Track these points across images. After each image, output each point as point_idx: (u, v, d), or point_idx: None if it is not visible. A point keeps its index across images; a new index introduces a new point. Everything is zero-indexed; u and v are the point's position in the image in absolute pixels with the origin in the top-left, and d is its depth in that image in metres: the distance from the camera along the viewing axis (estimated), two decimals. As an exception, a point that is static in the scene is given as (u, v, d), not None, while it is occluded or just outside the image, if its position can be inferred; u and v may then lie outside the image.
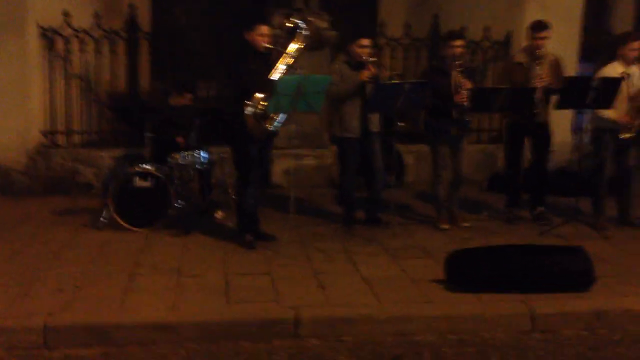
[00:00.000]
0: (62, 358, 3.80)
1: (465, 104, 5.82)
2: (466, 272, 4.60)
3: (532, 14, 7.25)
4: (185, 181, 6.18)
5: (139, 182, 5.96)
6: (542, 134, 6.26)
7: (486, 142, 8.52)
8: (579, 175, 7.60)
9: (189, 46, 8.66)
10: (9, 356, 3.78)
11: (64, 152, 7.68)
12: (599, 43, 8.69)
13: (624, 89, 5.83)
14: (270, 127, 5.27)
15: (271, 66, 5.18)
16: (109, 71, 8.03)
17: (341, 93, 5.73)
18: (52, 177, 7.57)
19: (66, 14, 7.56)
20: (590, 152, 6.36)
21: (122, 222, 5.89)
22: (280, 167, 7.71)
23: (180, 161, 6.13)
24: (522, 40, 7.18)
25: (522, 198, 6.47)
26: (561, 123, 7.41)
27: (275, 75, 5.13)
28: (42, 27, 7.56)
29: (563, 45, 7.10)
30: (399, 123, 6.16)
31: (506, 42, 8.39)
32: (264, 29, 5.33)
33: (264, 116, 5.20)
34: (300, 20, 5.36)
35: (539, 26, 6.05)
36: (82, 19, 7.75)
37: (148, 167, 6.02)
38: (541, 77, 5.97)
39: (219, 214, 6.37)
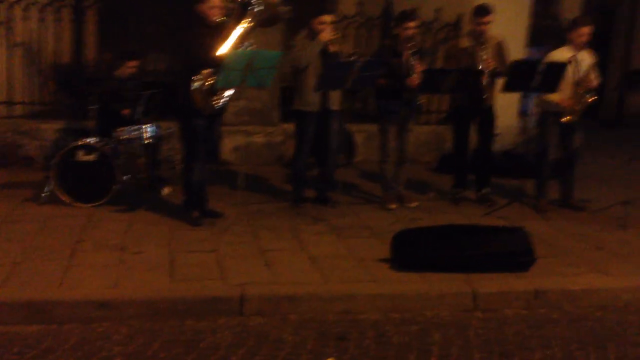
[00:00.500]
0: (-1, 335, 3.71)
1: (416, 86, 5.85)
2: (411, 251, 4.66)
3: (482, -3, 7.32)
4: (131, 156, 6.05)
5: (82, 156, 5.78)
6: (486, 117, 6.34)
7: (436, 123, 8.60)
8: (524, 157, 7.78)
9: (140, 17, 8.44)
10: (-58, 333, 3.67)
11: (6, 123, 7.44)
12: (547, 27, 8.83)
13: (570, 74, 5.94)
14: (219, 103, 5.19)
15: (222, 40, 5.09)
16: (54, 40, 7.78)
17: (302, 59, 5.66)
18: (-7, 149, 7.34)
19: (9, -21, 7.30)
20: (535, 135, 6.48)
21: (65, 198, 5.75)
22: (230, 144, 7.65)
23: (126, 135, 6.01)
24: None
25: (468, 179, 6.56)
26: (508, 107, 7.52)
27: (225, 49, 5.05)
28: (-17, -7, 7.28)
29: (512, 30, 7.17)
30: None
31: (457, 24, 8.45)
32: (216, 1, 5.18)
33: (212, 91, 5.12)
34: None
35: (482, 11, 6.07)
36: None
37: (92, 140, 5.87)
38: (487, 61, 6.03)
39: (165, 190, 6.29)
